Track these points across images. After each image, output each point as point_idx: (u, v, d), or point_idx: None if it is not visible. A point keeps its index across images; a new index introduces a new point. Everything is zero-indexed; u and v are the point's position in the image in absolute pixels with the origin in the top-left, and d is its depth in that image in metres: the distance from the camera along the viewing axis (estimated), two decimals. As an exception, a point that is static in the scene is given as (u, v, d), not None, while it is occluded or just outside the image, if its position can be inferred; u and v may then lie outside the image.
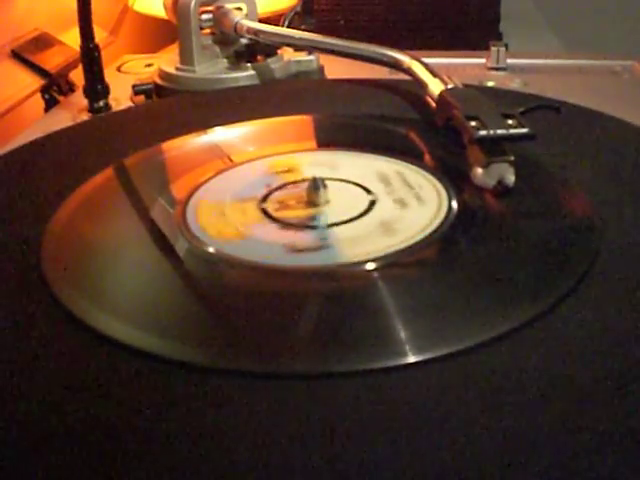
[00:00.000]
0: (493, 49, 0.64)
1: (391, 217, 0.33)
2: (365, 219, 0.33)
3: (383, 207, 0.34)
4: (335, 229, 0.33)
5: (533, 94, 0.49)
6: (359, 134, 0.43)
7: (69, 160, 0.41)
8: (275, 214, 0.34)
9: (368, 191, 0.36)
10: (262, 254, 0.31)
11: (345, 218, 0.33)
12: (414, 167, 0.38)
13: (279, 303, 0.28)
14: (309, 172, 0.37)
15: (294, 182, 0.37)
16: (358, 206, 0.34)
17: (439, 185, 0.36)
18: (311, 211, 0.34)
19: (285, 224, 0.33)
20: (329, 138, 0.43)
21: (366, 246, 0.31)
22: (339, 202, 0.35)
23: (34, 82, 0.63)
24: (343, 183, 0.37)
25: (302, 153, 0.40)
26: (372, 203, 0.35)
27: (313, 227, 0.33)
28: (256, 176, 0.38)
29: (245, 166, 0.39)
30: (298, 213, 0.34)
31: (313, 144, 0.43)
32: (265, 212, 0.34)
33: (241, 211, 0.34)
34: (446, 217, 0.33)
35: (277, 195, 0.36)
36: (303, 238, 0.32)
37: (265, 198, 0.35)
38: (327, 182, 0.35)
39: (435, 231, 0.32)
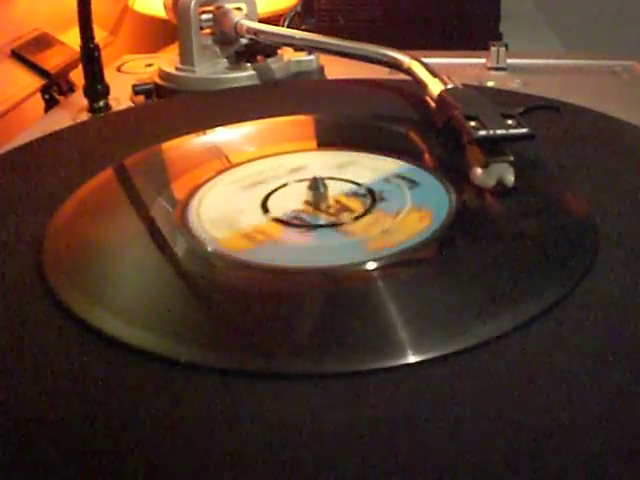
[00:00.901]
0: (493, 49, 0.64)
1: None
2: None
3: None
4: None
5: (533, 94, 0.49)
6: (358, 134, 0.43)
7: (69, 160, 0.41)
8: (282, 217, 0.34)
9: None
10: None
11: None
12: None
13: (279, 303, 0.28)
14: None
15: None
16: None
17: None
18: (313, 210, 0.34)
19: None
20: (329, 138, 0.43)
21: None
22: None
23: (34, 82, 0.63)
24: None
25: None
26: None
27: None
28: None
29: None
30: (304, 213, 0.34)
31: (313, 144, 0.43)
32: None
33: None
34: (446, 217, 0.33)
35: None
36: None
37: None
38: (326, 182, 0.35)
39: (435, 231, 0.32)
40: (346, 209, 0.34)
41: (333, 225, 0.33)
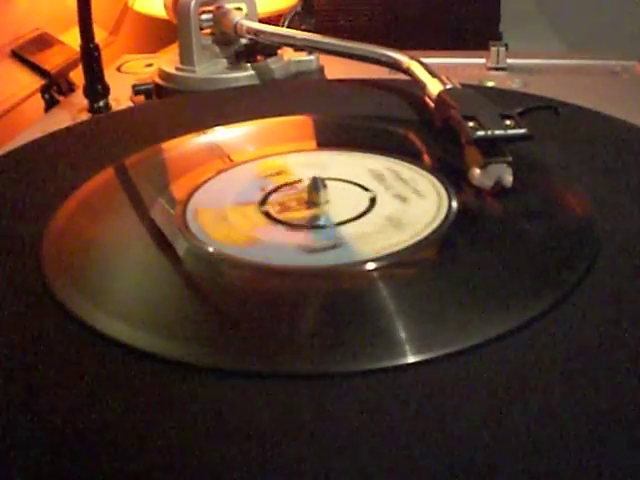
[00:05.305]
0: (493, 49, 0.64)
1: (394, 214, 0.33)
2: (369, 216, 0.33)
3: (384, 205, 0.34)
4: (344, 227, 0.33)
5: (533, 94, 0.49)
6: (358, 134, 0.43)
7: (69, 160, 0.41)
8: (279, 216, 0.34)
9: (366, 189, 0.36)
10: (276, 256, 0.31)
11: (350, 216, 0.33)
12: (413, 167, 0.38)
13: (279, 303, 0.29)
14: (302, 173, 0.37)
15: (290, 184, 0.37)
16: (359, 204, 0.34)
17: (438, 185, 0.36)
18: (314, 211, 0.34)
19: (292, 225, 0.33)
20: (328, 138, 0.43)
21: (377, 243, 0.31)
22: (340, 201, 0.35)
23: (34, 82, 0.63)
24: (340, 182, 0.37)
25: (296, 154, 0.40)
26: (372, 201, 0.35)
27: (321, 227, 0.33)
28: (249, 179, 0.38)
29: (237, 169, 0.39)
30: (302, 214, 0.34)
31: (313, 144, 0.43)
32: (268, 215, 0.34)
33: (243, 216, 0.34)
34: (445, 218, 0.33)
35: (276, 197, 0.36)
36: (314, 238, 0.32)
37: (264, 201, 0.35)
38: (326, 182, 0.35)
39: (435, 231, 0.32)
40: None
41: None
